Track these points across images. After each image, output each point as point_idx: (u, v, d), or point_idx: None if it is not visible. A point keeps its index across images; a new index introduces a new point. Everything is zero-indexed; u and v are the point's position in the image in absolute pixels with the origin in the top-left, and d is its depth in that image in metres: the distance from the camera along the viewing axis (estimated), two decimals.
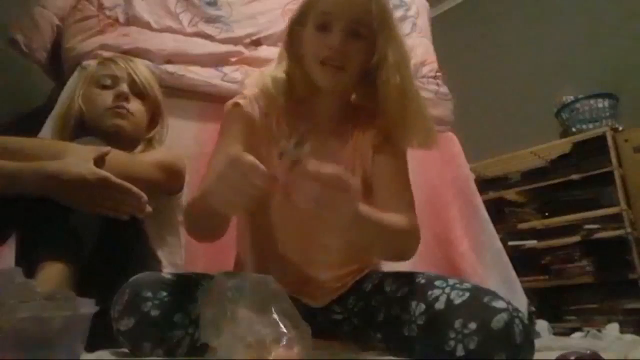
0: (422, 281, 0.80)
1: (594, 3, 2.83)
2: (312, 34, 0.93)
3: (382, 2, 0.92)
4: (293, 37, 0.98)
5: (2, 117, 1.63)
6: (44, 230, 0.84)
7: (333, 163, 0.66)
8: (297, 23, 0.97)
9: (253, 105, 0.97)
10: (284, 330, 0.53)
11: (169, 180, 1.13)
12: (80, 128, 1.16)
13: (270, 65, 1.04)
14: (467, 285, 0.74)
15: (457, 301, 0.70)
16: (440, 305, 0.72)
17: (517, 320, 0.65)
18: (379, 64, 0.92)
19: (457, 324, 0.67)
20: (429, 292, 0.75)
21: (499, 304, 0.67)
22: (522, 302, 1.70)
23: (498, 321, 0.65)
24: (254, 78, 1.05)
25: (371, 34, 0.91)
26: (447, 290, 0.74)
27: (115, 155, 0.98)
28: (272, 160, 0.86)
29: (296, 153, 0.64)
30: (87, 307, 0.58)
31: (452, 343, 0.67)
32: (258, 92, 0.99)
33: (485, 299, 0.68)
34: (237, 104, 0.96)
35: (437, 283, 0.77)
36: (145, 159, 1.10)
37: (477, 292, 0.71)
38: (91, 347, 0.73)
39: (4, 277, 0.56)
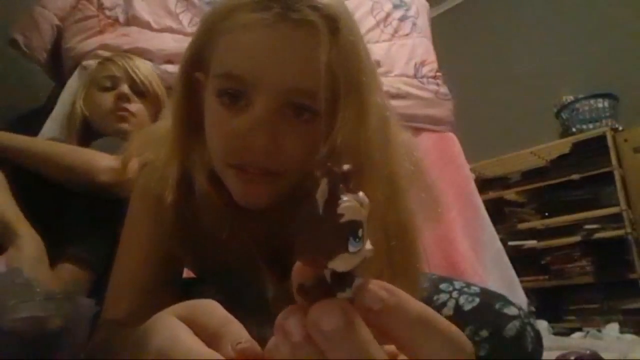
0: (426, 284, 0.76)
1: (594, 3, 2.83)
2: (212, 112, 0.54)
3: (349, 45, 0.50)
4: (189, 90, 0.58)
5: (2, 117, 1.63)
6: (67, 228, 0.85)
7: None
8: (195, 67, 0.57)
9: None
10: None
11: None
12: (87, 130, 1.16)
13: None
14: (475, 289, 0.72)
15: (467, 307, 0.68)
16: (448, 311, 0.69)
17: (529, 328, 0.64)
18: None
19: (468, 331, 0.65)
20: (435, 297, 0.73)
21: (511, 311, 0.66)
22: (522, 302, 1.70)
23: (510, 329, 0.63)
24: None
25: (328, 100, 0.49)
26: (454, 294, 0.71)
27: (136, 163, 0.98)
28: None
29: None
30: (87, 307, 0.58)
31: None
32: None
33: (497, 306, 0.67)
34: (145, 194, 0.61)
35: (442, 287, 0.74)
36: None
37: (488, 298, 0.69)
38: None
39: (4, 277, 0.57)
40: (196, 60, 0.56)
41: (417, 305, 0.21)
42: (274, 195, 0.55)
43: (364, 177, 0.48)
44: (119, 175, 0.93)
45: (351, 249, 0.19)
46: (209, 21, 0.54)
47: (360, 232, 0.19)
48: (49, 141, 1.02)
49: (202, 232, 0.58)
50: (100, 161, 0.94)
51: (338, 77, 0.48)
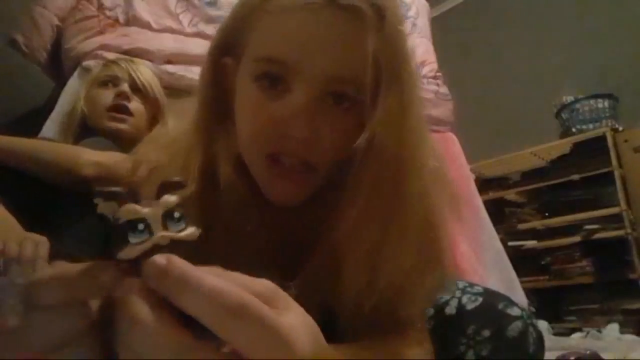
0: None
1: (594, 3, 2.83)
2: (249, 98, 0.50)
3: (395, 33, 0.48)
4: (217, 75, 0.55)
5: (2, 117, 1.63)
6: (57, 227, 0.85)
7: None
8: (224, 51, 0.55)
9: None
10: None
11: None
12: (84, 129, 1.17)
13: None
14: (478, 288, 0.71)
15: (470, 307, 0.67)
16: (451, 310, 0.69)
17: (531, 328, 0.64)
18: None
19: (470, 330, 0.65)
20: (438, 296, 0.72)
21: (514, 312, 0.65)
22: (522, 303, 1.70)
23: (513, 329, 0.63)
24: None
25: (369, 89, 0.47)
26: (457, 294, 0.70)
27: (121, 158, 0.98)
28: None
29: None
30: None
31: (462, 348, 0.65)
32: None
33: (500, 306, 0.66)
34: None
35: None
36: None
37: (491, 297, 0.68)
38: None
39: (4, 277, 0.56)
40: (226, 45, 0.54)
41: (210, 282, 0.24)
42: (307, 191, 0.52)
43: (401, 170, 0.47)
44: (104, 169, 0.92)
45: (133, 240, 0.25)
46: (248, 3, 0.51)
47: (140, 226, 0.26)
48: (33, 140, 1.02)
49: (220, 227, 0.51)
50: (83, 155, 0.94)
51: (381, 66, 0.46)
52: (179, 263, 0.25)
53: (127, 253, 0.25)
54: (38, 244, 0.76)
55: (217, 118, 0.54)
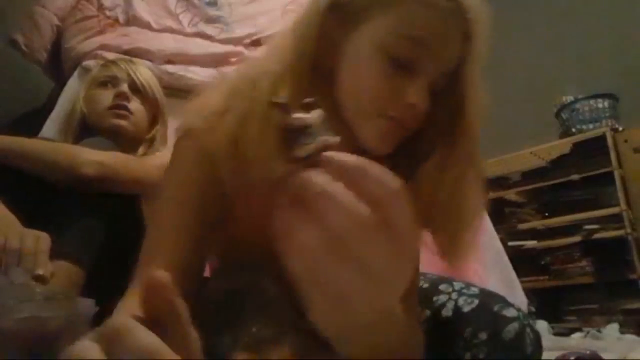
0: (425, 285, 0.77)
1: (594, 3, 2.83)
2: (377, 68, 0.57)
3: (481, 45, 0.63)
4: (322, 44, 0.59)
5: (2, 117, 1.63)
6: (57, 226, 0.85)
7: None
8: (334, 8, 0.59)
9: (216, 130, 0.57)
10: (282, 330, 0.53)
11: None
12: (83, 129, 1.17)
13: (260, 62, 0.63)
14: (474, 290, 0.72)
15: (466, 309, 0.68)
16: (447, 312, 0.70)
17: (528, 329, 0.64)
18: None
19: (467, 333, 0.65)
20: (434, 298, 0.73)
21: (510, 313, 0.65)
22: (522, 303, 1.70)
23: (509, 331, 0.63)
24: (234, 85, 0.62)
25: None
26: (453, 296, 0.71)
27: (121, 158, 0.98)
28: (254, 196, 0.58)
29: (314, 142, 0.31)
30: (87, 307, 0.58)
31: (460, 351, 0.65)
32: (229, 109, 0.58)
33: (496, 308, 0.66)
34: (189, 133, 0.60)
35: (442, 287, 0.74)
36: (151, 162, 1.10)
37: (487, 299, 0.69)
38: None
39: (4, 277, 0.57)
40: (338, 4, 0.59)
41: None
42: (392, 146, 0.61)
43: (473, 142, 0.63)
44: (105, 168, 0.93)
45: (305, 141, 0.31)
46: None
47: (309, 130, 0.31)
48: (33, 139, 1.02)
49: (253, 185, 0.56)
50: (83, 155, 0.94)
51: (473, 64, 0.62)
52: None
53: (304, 151, 0.30)
54: (39, 238, 0.76)
55: (312, 69, 0.59)
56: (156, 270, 0.26)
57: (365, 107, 0.59)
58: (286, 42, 0.61)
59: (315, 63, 0.59)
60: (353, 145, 0.60)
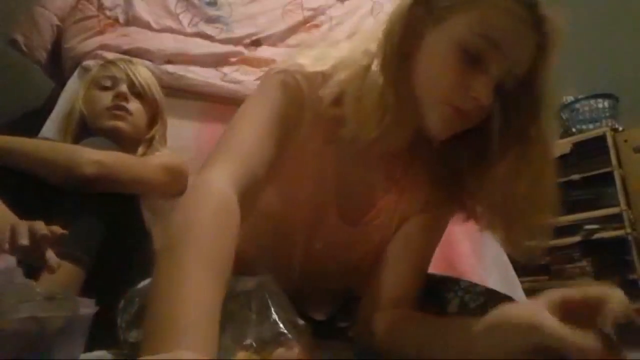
0: (432, 283, 0.77)
1: (594, 3, 2.83)
2: (451, 60, 0.62)
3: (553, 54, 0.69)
4: (407, 33, 0.64)
5: (2, 117, 1.63)
6: (64, 227, 0.85)
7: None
8: (423, 12, 0.64)
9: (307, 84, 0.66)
10: (284, 330, 0.53)
11: (174, 183, 1.13)
12: (82, 130, 1.17)
13: (356, 45, 0.70)
14: (481, 288, 0.72)
15: (472, 305, 0.69)
16: (453, 308, 0.70)
17: None
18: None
19: None
20: (441, 295, 0.74)
21: None
22: None
23: None
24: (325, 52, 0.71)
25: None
26: (460, 293, 0.72)
27: (121, 158, 0.98)
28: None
29: None
30: (87, 307, 0.58)
31: None
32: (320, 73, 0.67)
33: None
34: (287, 71, 0.67)
35: (448, 285, 0.74)
36: (151, 162, 1.10)
37: (492, 297, 0.69)
38: (91, 347, 0.73)
39: (4, 277, 0.56)
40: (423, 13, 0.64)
41: None
42: (452, 133, 0.66)
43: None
44: (105, 168, 0.93)
45: None
46: None
47: None
48: (33, 139, 1.02)
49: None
50: (83, 154, 0.94)
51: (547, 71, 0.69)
52: None
53: None
54: (41, 226, 0.76)
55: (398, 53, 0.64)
56: None
57: (434, 93, 0.63)
58: (379, 29, 0.67)
59: (398, 50, 0.64)
60: (417, 126, 0.67)
